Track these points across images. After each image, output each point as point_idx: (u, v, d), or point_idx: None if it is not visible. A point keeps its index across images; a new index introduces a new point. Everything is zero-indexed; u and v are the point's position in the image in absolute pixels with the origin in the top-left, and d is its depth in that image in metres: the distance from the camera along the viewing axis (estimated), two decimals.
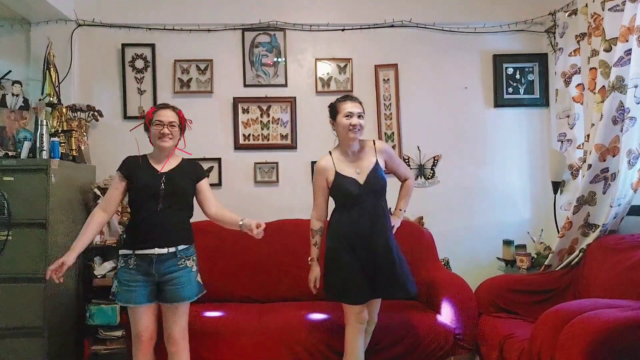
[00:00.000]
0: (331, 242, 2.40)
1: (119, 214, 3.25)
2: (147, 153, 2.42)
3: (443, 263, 3.39)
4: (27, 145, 2.84)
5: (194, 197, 2.40)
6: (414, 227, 3.35)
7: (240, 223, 2.33)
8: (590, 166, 2.79)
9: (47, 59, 3.22)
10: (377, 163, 2.43)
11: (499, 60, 3.72)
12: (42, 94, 3.18)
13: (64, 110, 3.28)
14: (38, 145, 2.83)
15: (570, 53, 3.31)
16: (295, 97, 3.66)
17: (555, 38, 3.52)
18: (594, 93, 2.86)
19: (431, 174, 3.70)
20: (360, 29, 3.70)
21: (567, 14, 3.32)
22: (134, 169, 2.33)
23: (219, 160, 3.60)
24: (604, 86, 2.75)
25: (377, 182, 2.40)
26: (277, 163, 3.63)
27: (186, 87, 3.63)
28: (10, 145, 2.94)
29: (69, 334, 3.00)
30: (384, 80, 3.70)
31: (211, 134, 3.60)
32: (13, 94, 3.06)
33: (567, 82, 3.33)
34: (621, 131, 2.66)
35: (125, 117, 3.58)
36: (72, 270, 3.02)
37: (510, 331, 2.47)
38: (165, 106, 2.40)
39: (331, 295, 2.39)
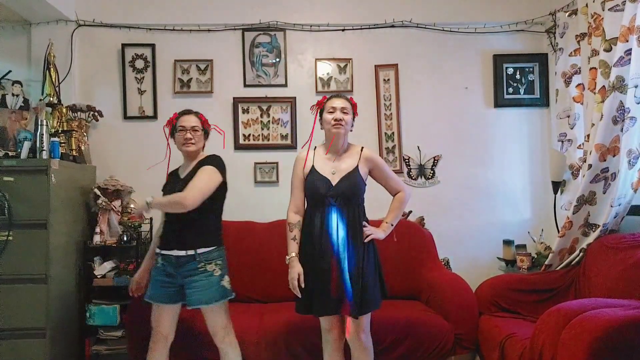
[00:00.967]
0: (302, 244, 2.27)
1: (119, 214, 3.26)
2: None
3: (443, 263, 3.39)
4: (27, 145, 2.84)
5: (213, 197, 2.31)
6: (414, 227, 3.35)
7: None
8: (590, 166, 2.80)
9: (48, 59, 3.23)
10: (356, 168, 2.27)
11: (499, 60, 3.72)
12: (43, 94, 3.19)
13: (64, 110, 3.28)
14: (38, 145, 2.82)
15: (571, 53, 3.31)
16: (295, 97, 3.66)
17: (555, 38, 3.52)
18: (594, 93, 2.86)
19: (431, 174, 3.70)
20: (361, 29, 3.71)
21: (567, 14, 3.32)
22: (171, 175, 2.45)
23: None
24: (604, 86, 2.75)
25: (348, 186, 2.23)
26: (277, 163, 3.63)
27: (186, 87, 3.63)
28: (10, 145, 2.94)
29: (70, 335, 2.99)
30: (384, 80, 3.70)
31: (211, 134, 3.57)
32: (13, 94, 3.06)
33: (567, 82, 3.33)
34: (621, 131, 2.66)
35: (126, 117, 3.58)
36: (72, 270, 3.04)
37: (512, 331, 2.47)
38: (188, 112, 2.44)
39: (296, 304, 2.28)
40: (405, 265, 3.18)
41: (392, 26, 3.70)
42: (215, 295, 2.26)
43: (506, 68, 3.74)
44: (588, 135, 2.98)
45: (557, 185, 3.40)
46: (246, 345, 2.57)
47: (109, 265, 3.15)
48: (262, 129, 3.66)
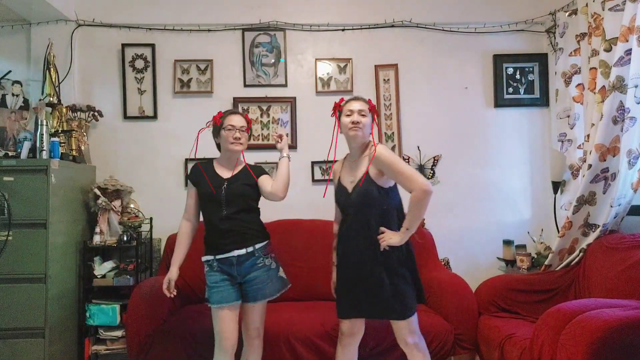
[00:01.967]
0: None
1: (119, 214, 3.26)
2: (215, 158, 2.46)
3: (443, 263, 3.39)
4: (27, 145, 2.84)
5: (259, 198, 2.41)
6: None
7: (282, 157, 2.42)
8: (590, 166, 2.80)
9: (47, 59, 3.23)
10: (367, 173, 2.15)
11: (499, 60, 3.72)
12: (42, 94, 3.19)
13: (64, 110, 3.28)
14: (38, 145, 2.83)
15: (571, 53, 3.31)
16: (295, 97, 3.66)
17: (555, 38, 3.52)
18: (594, 93, 2.87)
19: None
20: (360, 29, 3.71)
21: (567, 13, 3.32)
22: (200, 176, 2.37)
23: None
24: (604, 86, 2.75)
25: (359, 196, 2.16)
26: (277, 163, 3.60)
27: (186, 87, 3.63)
28: (10, 145, 2.94)
29: (69, 334, 2.99)
30: (384, 80, 3.70)
31: (211, 134, 3.58)
32: (13, 94, 3.06)
33: (567, 82, 3.33)
34: (621, 131, 2.66)
35: (125, 117, 3.58)
36: (72, 270, 3.04)
37: (511, 331, 2.47)
38: (235, 112, 2.46)
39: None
40: None
41: (392, 26, 3.70)
42: (277, 286, 2.33)
43: (506, 68, 3.74)
44: (588, 135, 2.98)
45: (557, 186, 3.40)
46: None
47: (108, 265, 3.15)
48: (262, 129, 3.66)
